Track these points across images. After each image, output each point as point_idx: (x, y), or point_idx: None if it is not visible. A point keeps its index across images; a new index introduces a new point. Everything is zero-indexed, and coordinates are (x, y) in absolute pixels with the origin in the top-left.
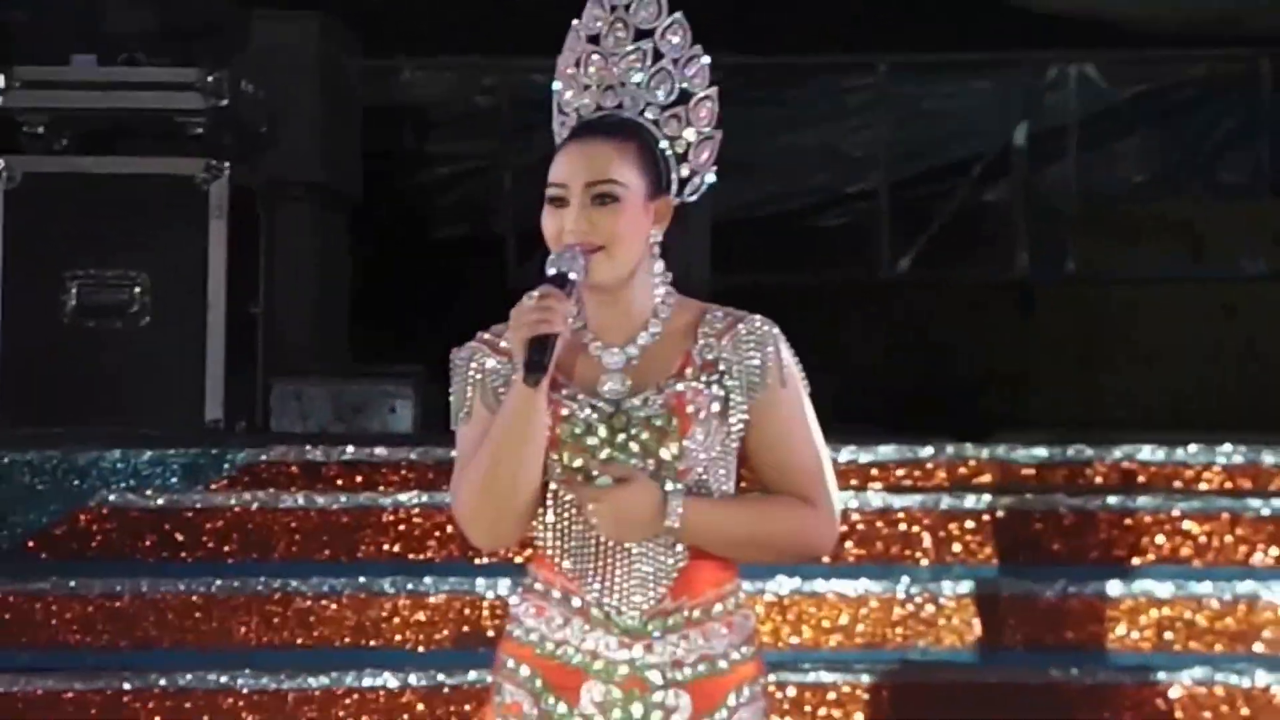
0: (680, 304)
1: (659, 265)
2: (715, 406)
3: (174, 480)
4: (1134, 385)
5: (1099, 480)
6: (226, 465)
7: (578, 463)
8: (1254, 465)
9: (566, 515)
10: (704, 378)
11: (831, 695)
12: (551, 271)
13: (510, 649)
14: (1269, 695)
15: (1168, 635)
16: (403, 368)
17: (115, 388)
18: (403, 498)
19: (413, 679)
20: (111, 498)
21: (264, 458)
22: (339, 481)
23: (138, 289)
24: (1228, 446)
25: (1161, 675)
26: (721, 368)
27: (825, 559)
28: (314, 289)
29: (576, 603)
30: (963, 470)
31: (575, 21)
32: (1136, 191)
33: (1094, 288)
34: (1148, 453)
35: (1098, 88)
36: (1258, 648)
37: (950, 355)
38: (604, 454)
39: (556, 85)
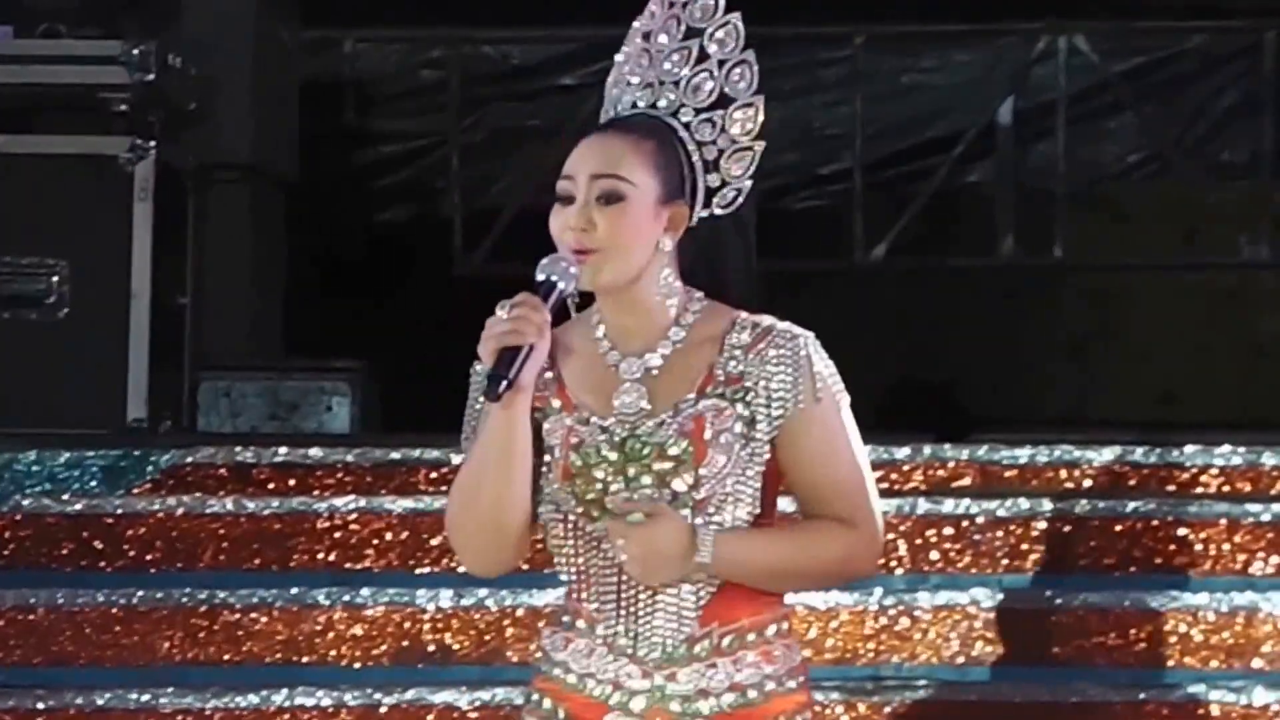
0: (709, 310)
1: (673, 275)
2: (739, 427)
3: (93, 484)
4: (1125, 378)
5: (1087, 483)
6: (150, 468)
7: (592, 495)
8: (1254, 468)
9: (587, 548)
10: (728, 394)
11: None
12: (540, 278)
13: (539, 684)
14: (1268, 714)
15: (1160, 649)
16: (341, 363)
17: (30, 384)
18: (339, 503)
19: (348, 698)
20: (26, 503)
21: (190, 460)
22: (270, 485)
23: (55, 278)
24: (1226, 447)
25: (1153, 692)
26: (747, 384)
27: None
28: (246, 278)
29: (602, 631)
30: (941, 473)
31: (636, 20)
32: (1129, 172)
33: (1083, 274)
34: (1140, 454)
35: (1088, 61)
36: (1256, 663)
37: (929, 347)
38: (615, 484)
39: (608, 84)
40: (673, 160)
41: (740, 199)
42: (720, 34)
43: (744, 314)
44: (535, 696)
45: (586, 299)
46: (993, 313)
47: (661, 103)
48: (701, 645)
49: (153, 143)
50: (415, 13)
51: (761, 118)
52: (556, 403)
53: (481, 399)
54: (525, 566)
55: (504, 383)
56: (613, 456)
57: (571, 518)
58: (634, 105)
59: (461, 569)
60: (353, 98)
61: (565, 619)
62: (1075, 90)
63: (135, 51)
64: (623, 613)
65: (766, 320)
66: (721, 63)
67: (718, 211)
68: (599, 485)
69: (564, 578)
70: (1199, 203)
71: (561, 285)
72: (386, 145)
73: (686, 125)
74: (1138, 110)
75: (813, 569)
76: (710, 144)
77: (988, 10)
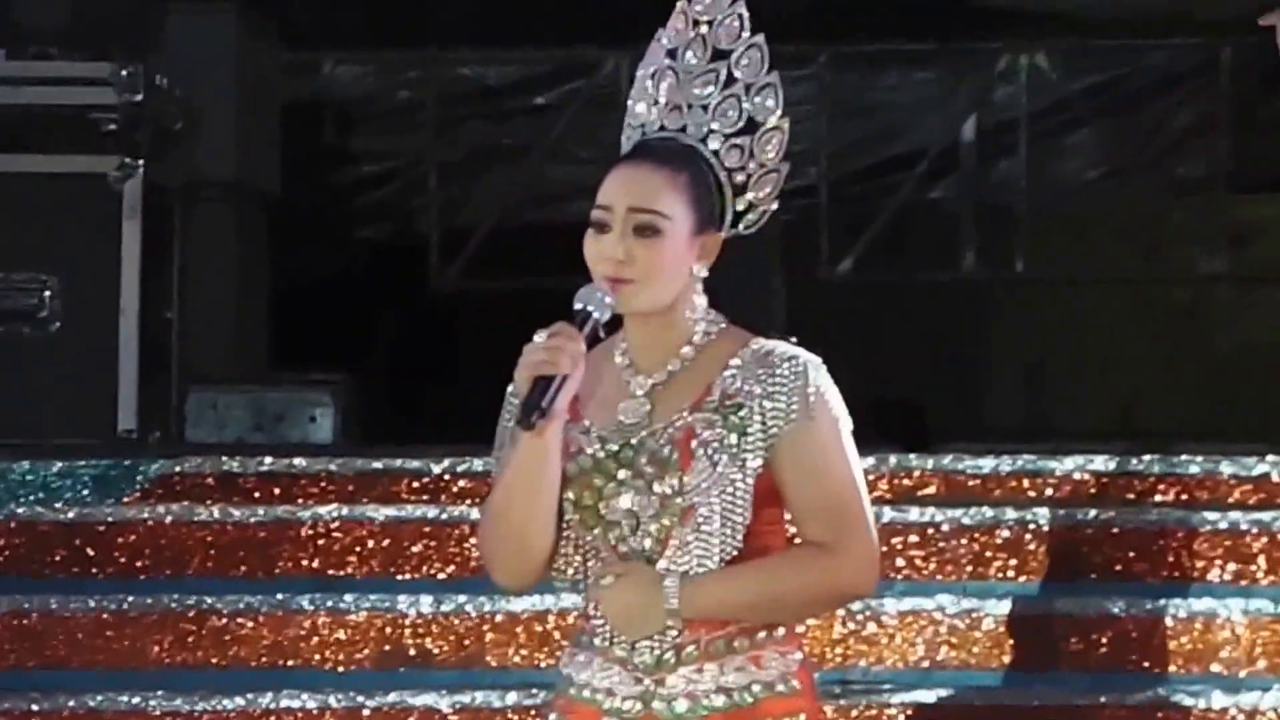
0: (725, 334)
1: (701, 300)
2: (730, 439)
3: (85, 493)
4: (1086, 391)
5: (1049, 493)
6: (140, 477)
7: (587, 501)
8: (1211, 477)
9: (585, 557)
10: (721, 409)
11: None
12: (577, 306)
13: (556, 700)
14: (1225, 718)
15: (1120, 654)
16: (324, 375)
17: (23, 396)
18: (322, 511)
19: (332, 700)
20: (20, 511)
21: (179, 469)
22: (256, 494)
23: (47, 293)
24: (1184, 457)
25: (1113, 696)
26: (741, 400)
27: None
28: (231, 293)
29: (600, 641)
30: (907, 482)
31: (660, 31)
32: (1089, 187)
33: (1044, 288)
34: (1100, 463)
35: (1048, 79)
36: (1214, 668)
37: (893, 360)
38: (608, 489)
39: (631, 97)
40: (705, 190)
41: (764, 220)
42: (746, 57)
43: (756, 338)
44: (552, 716)
45: (614, 320)
46: (955, 326)
47: (690, 127)
48: (689, 650)
49: (140, 162)
50: (393, 36)
51: (786, 139)
52: (566, 415)
53: (512, 422)
54: None
55: (538, 411)
56: (606, 463)
57: (573, 524)
58: (662, 127)
59: (442, 576)
60: (333, 118)
61: (581, 635)
62: (1036, 108)
63: (124, 73)
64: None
65: (775, 344)
66: (749, 86)
67: (744, 232)
68: (593, 491)
69: (558, 584)
70: (1157, 218)
71: (596, 315)
72: (365, 164)
73: (716, 152)
74: (1097, 127)
75: (793, 598)
76: (739, 169)
77: (950, 30)
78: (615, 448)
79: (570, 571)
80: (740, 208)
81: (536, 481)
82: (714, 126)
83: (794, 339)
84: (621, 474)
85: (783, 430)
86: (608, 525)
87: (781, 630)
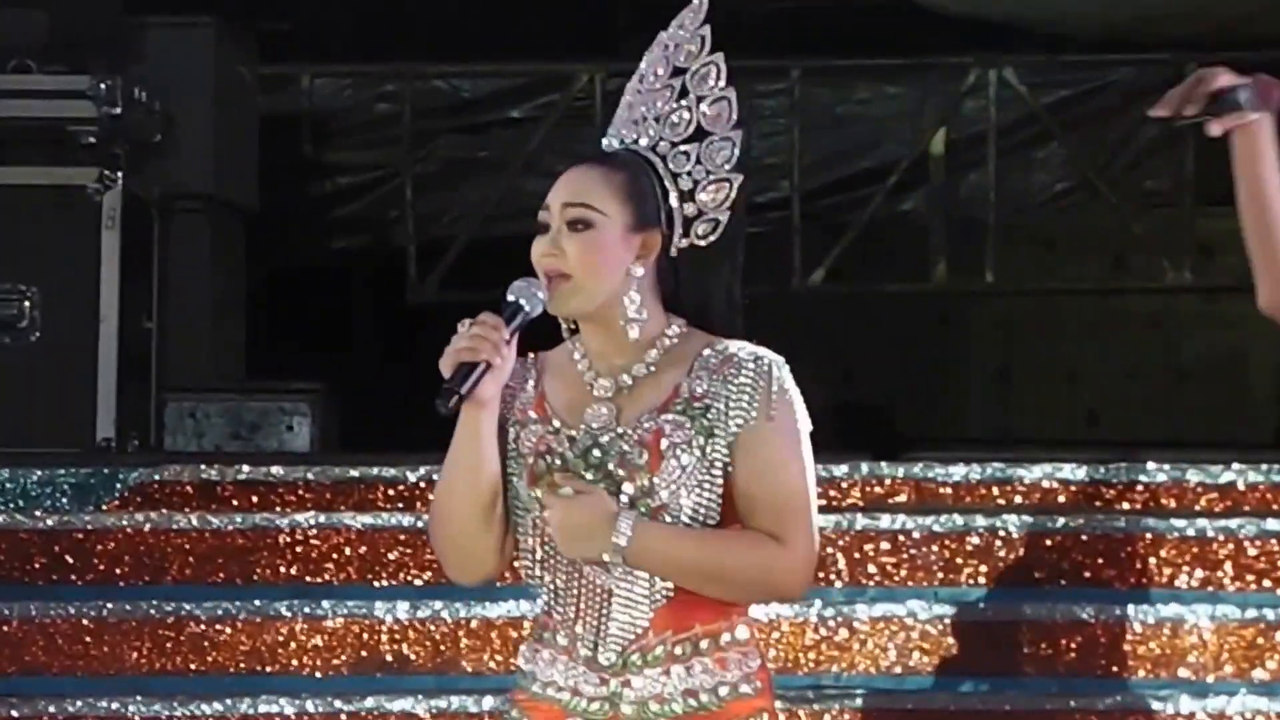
0: (687, 336)
1: (636, 298)
2: (698, 441)
3: (64, 500)
4: (1054, 400)
5: (1018, 500)
6: (119, 485)
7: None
8: (1178, 484)
9: (550, 552)
10: (689, 410)
11: None
12: (509, 299)
13: (515, 696)
14: None
15: (1089, 660)
16: (301, 384)
17: (3, 405)
18: (300, 518)
19: (310, 706)
20: None
21: (157, 477)
22: (234, 502)
23: (27, 303)
24: (1151, 465)
25: (1082, 701)
26: (709, 401)
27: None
28: (209, 303)
29: (563, 640)
30: (878, 490)
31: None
32: (1057, 200)
33: (1013, 299)
34: (1068, 471)
35: (1017, 93)
36: (1182, 673)
37: (864, 369)
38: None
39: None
40: (646, 190)
41: (719, 229)
42: (702, 71)
43: (719, 340)
44: (509, 706)
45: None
46: (926, 336)
47: (643, 140)
48: (655, 652)
49: (119, 174)
50: (370, 49)
51: (739, 151)
52: (534, 414)
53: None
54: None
55: (455, 396)
56: (575, 462)
57: (537, 523)
58: (620, 142)
59: (418, 582)
60: (309, 131)
61: (542, 632)
62: (1004, 122)
63: (102, 86)
64: (582, 619)
65: (737, 346)
66: (700, 98)
67: (699, 241)
68: (560, 490)
69: (529, 580)
70: (1124, 230)
71: (527, 308)
72: (342, 176)
73: (663, 157)
74: (1064, 141)
75: (729, 574)
76: (685, 174)
77: (920, 45)
78: (583, 448)
79: (537, 572)
80: (689, 213)
81: (474, 469)
82: (664, 135)
83: (754, 341)
84: (589, 475)
85: (745, 425)
86: (552, 493)
87: (744, 632)
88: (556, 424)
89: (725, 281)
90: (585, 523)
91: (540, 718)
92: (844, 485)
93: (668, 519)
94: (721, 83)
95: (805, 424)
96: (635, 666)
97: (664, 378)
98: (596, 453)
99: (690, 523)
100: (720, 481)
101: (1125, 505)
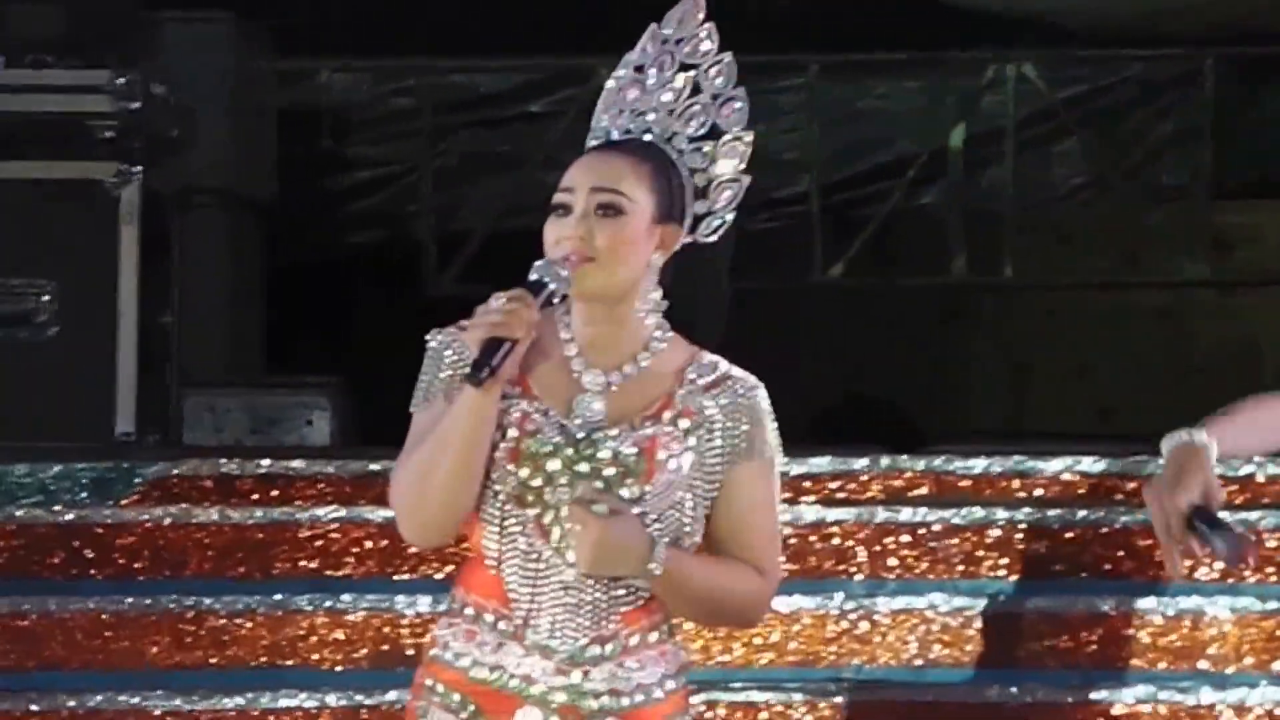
0: (674, 342)
1: (656, 293)
2: (688, 458)
3: (83, 495)
4: (1070, 393)
5: (1039, 492)
6: (138, 479)
7: (536, 481)
8: None
9: (511, 535)
10: (681, 425)
11: (764, 715)
12: (533, 277)
13: (436, 672)
14: (1214, 713)
15: (1110, 651)
16: (319, 378)
17: (22, 400)
18: (320, 512)
19: (330, 699)
20: (18, 513)
21: (176, 471)
22: (254, 496)
23: (45, 298)
24: None
25: (1104, 693)
26: (700, 422)
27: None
28: (227, 298)
29: (509, 627)
30: (898, 482)
31: (629, 54)
32: (1074, 194)
33: (1031, 293)
34: (1089, 464)
35: (1035, 88)
36: (1202, 664)
37: (882, 363)
38: (564, 480)
39: (597, 110)
40: (667, 183)
41: (723, 228)
42: (714, 70)
43: (702, 352)
44: (439, 686)
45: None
46: (944, 330)
47: (655, 130)
48: (611, 645)
49: (137, 168)
50: (388, 43)
51: (750, 152)
52: (516, 388)
53: (442, 375)
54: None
55: (487, 370)
56: (568, 451)
57: (502, 498)
58: (628, 131)
59: (439, 576)
60: (328, 125)
61: (469, 611)
62: (1022, 116)
63: (120, 81)
64: (537, 605)
65: (722, 363)
66: (715, 97)
67: (701, 239)
68: (544, 475)
69: (485, 555)
70: (1140, 223)
71: (553, 287)
72: (360, 170)
73: (680, 152)
74: (1082, 135)
75: (727, 602)
76: (701, 171)
77: (938, 40)
78: (577, 438)
79: (494, 550)
80: (700, 211)
81: (471, 441)
82: (678, 130)
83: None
84: (582, 466)
85: (733, 461)
86: (546, 508)
87: (684, 623)
88: (542, 405)
89: (716, 282)
90: (622, 545)
91: (488, 702)
92: (864, 478)
93: (656, 530)
94: (734, 82)
95: (779, 455)
96: (593, 658)
97: (652, 384)
98: (589, 446)
99: (671, 538)
100: (704, 506)
101: None
